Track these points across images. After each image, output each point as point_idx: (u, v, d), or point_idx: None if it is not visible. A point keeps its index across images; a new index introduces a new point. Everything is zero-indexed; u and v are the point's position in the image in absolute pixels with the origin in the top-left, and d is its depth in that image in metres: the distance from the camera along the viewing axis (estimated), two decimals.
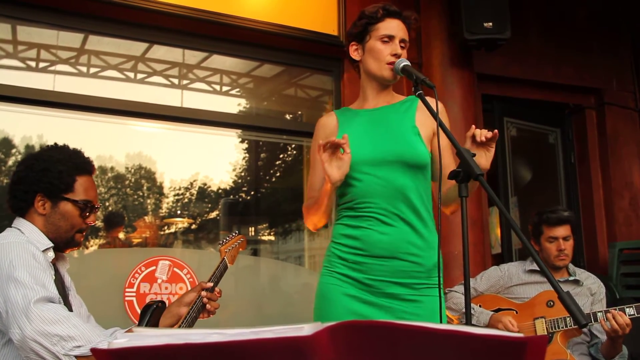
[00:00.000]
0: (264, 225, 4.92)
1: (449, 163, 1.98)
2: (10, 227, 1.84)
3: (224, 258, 2.14)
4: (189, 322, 1.88)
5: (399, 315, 1.88)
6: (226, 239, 2.24)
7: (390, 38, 1.98)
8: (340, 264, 1.96)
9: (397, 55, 1.96)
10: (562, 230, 2.85)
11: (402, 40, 1.99)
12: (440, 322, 1.95)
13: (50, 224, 1.84)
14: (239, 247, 2.30)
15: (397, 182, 1.92)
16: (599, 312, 2.60)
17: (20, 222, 1.83)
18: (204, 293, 1.96)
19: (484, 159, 1.77)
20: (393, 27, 1.99)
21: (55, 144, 1.95)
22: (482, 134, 1.75)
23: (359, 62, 2.06)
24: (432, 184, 2.02)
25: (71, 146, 1.95)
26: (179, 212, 4.72)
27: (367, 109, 2.06)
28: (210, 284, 2.00)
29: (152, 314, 1.89)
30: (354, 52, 2.06)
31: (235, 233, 2.33)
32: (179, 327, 1.86)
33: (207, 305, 1.97)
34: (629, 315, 2.56)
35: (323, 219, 2.02)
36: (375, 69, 2.00)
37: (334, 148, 1.83)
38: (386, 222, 1.90)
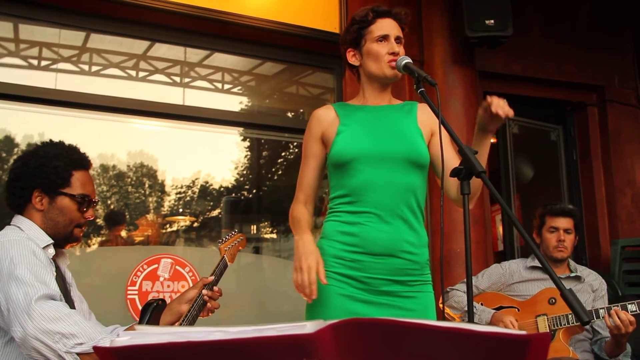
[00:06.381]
0: (266, 223, 4.92)
1: (451, 158, 1.95)
2: (10, 224, 1.84)
3: (223, 256, 2.15)
4: (190, 320, 1.88)
5: (394, 312, 1.88)
6: (225, 238, 2.25)
7: (385, 38, 1.98)
8: (336, 263, 1.91)
9: (395, 53, 1.95)
10: (564, 222, 2.86)
11: (396, 38, 1.99)
12: (438, 318, 1.94)
13: (48, 219, 1.84)
14: (238, 246, 2.30)
15: (401, 180, 1.91)
16: (600, 309, 2.60)
17: (19, 220, 1.83)
18: (204, 291, 1.96)
19: (492, 125, 1.77)
20: (385, 26, 1.99)
21: (51, 140, 1.94)
22: (499, 106, 1.68)
23: (359, 66, 2.05)
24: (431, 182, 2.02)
25: (72, 143, 1.96)
26: (180, 210, 4.71)
27: (369, 105, 2.05)
28: (212, 278, 2.00)
29: (152, 312, 1.89)
30: (352, 58, 2.05)
31: (235, 231, 2.34)
32: (180, 325, 1.86)
33: (208, 303, 1.97)
34: (631, 312, 2.55)
35: None
36: (376, 70, 1.99)
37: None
38: (385, 220, 1.89)
